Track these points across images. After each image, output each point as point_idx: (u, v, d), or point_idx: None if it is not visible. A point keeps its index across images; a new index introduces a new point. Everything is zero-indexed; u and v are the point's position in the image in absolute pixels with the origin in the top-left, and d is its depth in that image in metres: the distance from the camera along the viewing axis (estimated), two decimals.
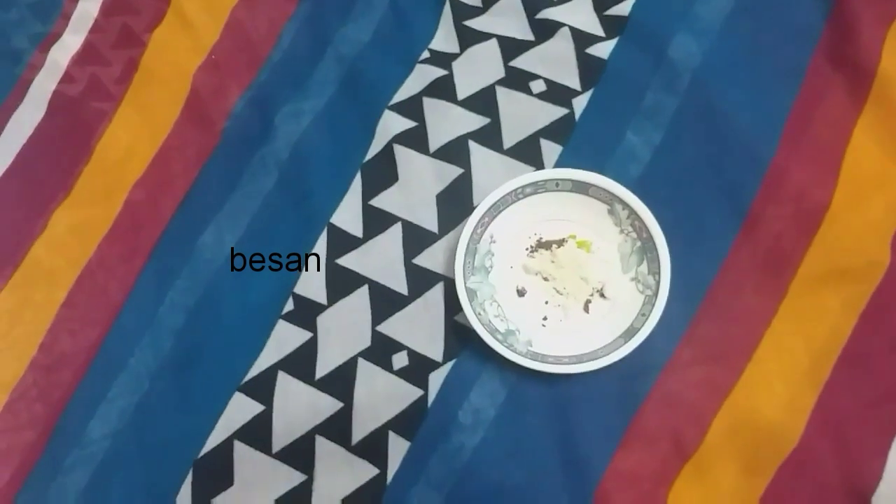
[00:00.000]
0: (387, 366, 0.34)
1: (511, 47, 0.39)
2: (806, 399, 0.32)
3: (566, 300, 0.35)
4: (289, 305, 0.36)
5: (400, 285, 0.36)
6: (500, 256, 0.35)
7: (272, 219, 0.38)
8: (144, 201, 0.39)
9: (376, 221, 0.37)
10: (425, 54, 0.40)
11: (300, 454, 0.34)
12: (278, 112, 0.40)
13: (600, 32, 0.39)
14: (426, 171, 0.37)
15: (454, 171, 0.37)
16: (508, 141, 0.37)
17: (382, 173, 0.38)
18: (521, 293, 0.35)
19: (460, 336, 0.34)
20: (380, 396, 0.34)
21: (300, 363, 0.35)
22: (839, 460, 0.32)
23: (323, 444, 0.34)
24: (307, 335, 0.35)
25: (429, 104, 0.39)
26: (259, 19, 0.42)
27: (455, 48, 0.40)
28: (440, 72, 0.39)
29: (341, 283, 0.36)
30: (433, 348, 0.34)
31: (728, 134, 0.36)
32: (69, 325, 0.37)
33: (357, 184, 0.38)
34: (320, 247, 0.37)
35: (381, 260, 0.36)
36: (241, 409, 0.35)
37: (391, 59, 0.40)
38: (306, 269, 0.36)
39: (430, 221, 0.36)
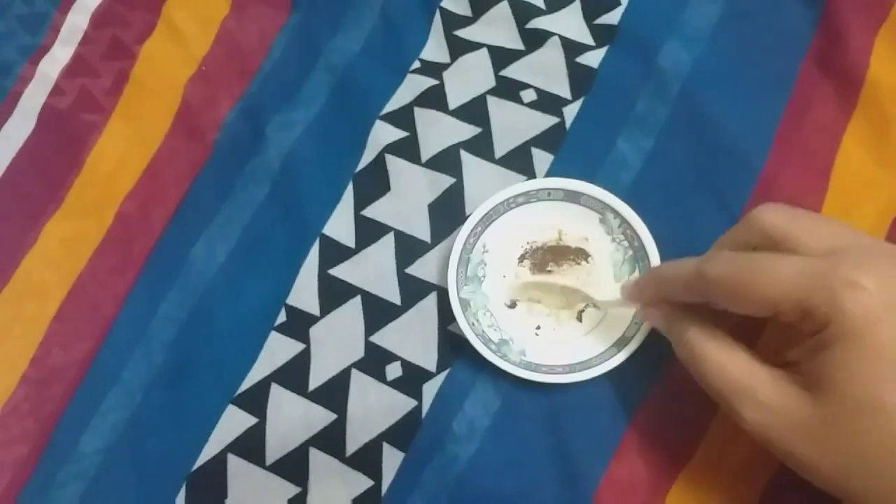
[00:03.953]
0: (380, 377, 0.34)
1: (501, 57, 0.39)
2: None
3: (559, 310, 0.35)
4: (281, 317, 0.36)
5: (393, 295, 0.35)
6: (493, 266, 0.35)
7: (264, 230, 0.38)
8: (136, 213, 0.39)
9: (368, 231, 0.37)
10: (416, 64, 0.40)
11: (294, 466, 0.34)
12: (269, 123, 0.39)
13: (590, 41, 0.39)
14: (418, 181, 0.37)
15: (446, 181, 0.37)
16: (500, 150, 0.37)
17: (374, 183, 0.38)
18: (513, 303, 0.35)
19: (454, 346, 0.34)
20: (373, 408, 0.34)
21: (293, 375, 0.35)
22: None
23: (317, 456, 0.34)
24: (300, 347, 0.35)
25: (420, 114, 0.39)
26: (249, 30, 0.42)
27: (446, 58, 0.40)
28: (431, 81, 0.39)
29: (334, 293, 0.36)
30: (427, 358, 0.34)
31: (718, 141, 0.36)
32: (60, 339, 0.37)
33: (349, 194, 0.38)
34: (312, 257, 0.37)
35: (374, 270, 0.36)
36: (234, 421, 0.34)
37: (382, 69, 0.40)
38: (298, 281, 0.36)
39: (422, 231, 0.36)
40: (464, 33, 0.41)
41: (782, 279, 0.24)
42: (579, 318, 0.34)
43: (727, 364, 0.26)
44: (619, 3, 0.40)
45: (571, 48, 0.39)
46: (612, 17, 0.39)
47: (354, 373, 0.34)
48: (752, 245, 0.27)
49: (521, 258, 0.35)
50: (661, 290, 0.30)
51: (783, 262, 0.24)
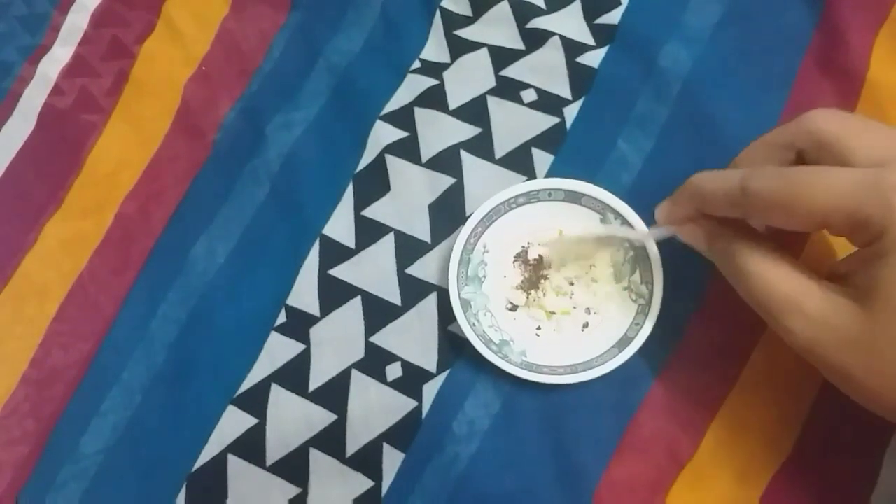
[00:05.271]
0: (380, 377, 0.34)
1: (502, 57, 0.39)
2: (801, 404, 0.32)
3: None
4: (281, 317, 0.36)
5: (393, 296, 0.35)
6: (493, 267, 0.35)
7: (264, 230, 0.38)
8: (135, 214, 0.39)
9: (369, 232, 0.37)
10: (416, 64, 0.40)
11: (294, 467, 0.34)
12: (269, 123, 0.39)
13: (591, 41, 0.39)
14: (418, 181, 0.37)
15: (446, 181, 0.37)
16: (500, 150, 0.37)
17: (374, 183, 0.38)
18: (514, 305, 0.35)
19: (454, 346, 0.34)
20: (374, 408, 0.34)
21: (293, 375, 0.35)
22: (835, 462, 0.32)
23: (317, 457, 0.34)
24: (300, 347, 0.35)
25: (420, 114, 0.38)
26: (249, 30, 0.42)
27: (446, 58, 0.40)
28: (431, 81, 0.39)
29: (334, 294, 0.36)
30: (427, 359, 0.34)
31: (719, 141, 0.36)
32: (61, 339, 0.37)
33: (349, 194, 0.38)
34: (312, 258, 0.37)
35: (374, 270, 0.36)
36: (234, 422, 0.34)
37: (382, 69, 0.40)
38: (298, 281, 0.36)
39: (422, 231, 0.36)
40: (464, 33, 0.40)
41: (834, 189, 0.23)
42: (584, 325, 0.34)
43: (773, 277, 0.25)
44: (620, 3, 0.40)
45: (572, 48, 0.39)
46: (613, 17, 0.39)
47: (354, 373, 0.34)
48: (797, 148, 0.26)
49: (516, 257, 0.35)
50: (699, 205, 0.29)
51: (834, 171, 0.23)
